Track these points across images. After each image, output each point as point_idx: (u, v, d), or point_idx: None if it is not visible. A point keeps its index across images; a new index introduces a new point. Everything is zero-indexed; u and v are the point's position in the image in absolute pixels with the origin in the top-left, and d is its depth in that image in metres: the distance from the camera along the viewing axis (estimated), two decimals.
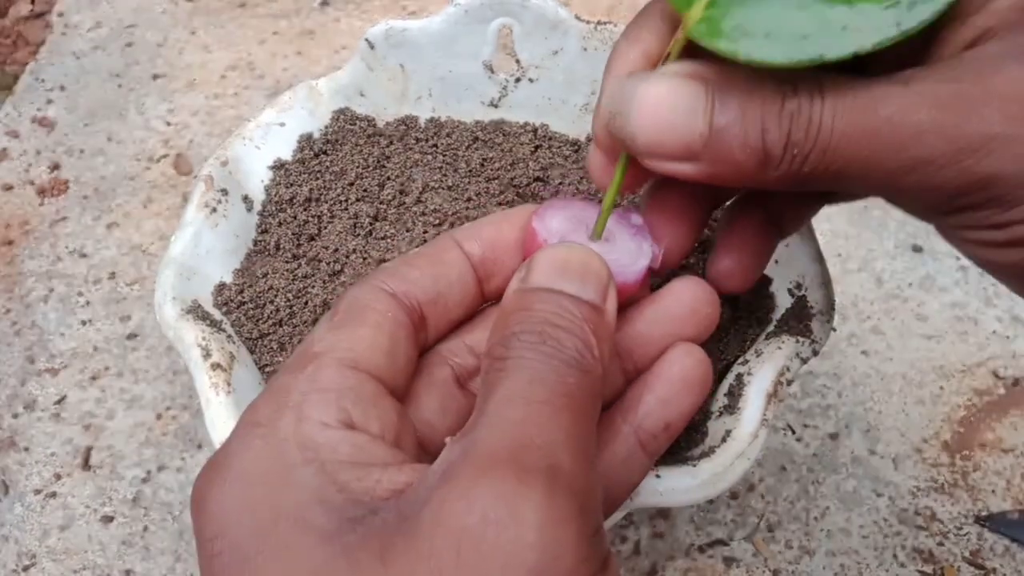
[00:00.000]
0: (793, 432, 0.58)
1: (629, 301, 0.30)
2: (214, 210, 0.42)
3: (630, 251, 0.30)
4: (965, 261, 0.65)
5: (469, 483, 0.21)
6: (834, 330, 0.39)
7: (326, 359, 0.26)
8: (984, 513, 0.54)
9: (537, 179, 0.45)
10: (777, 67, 0.24)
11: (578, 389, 0.23)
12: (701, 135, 0.25)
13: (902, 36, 0.23)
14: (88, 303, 0.64)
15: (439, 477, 0.21)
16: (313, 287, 0.40)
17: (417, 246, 0.40)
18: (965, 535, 0.54)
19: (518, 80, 0.49)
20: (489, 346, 0.25)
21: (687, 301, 0.30)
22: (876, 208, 0.69)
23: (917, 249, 0.66)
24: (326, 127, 0.47)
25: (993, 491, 0.55)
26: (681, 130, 0.25)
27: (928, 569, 0.52)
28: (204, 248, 0.41)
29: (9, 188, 0.71)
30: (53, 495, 0.55)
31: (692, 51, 0.26)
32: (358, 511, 0.22)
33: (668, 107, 0.25)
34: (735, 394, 0.36)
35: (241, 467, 0.24)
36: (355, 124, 0.48)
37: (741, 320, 0.39)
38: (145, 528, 0.53)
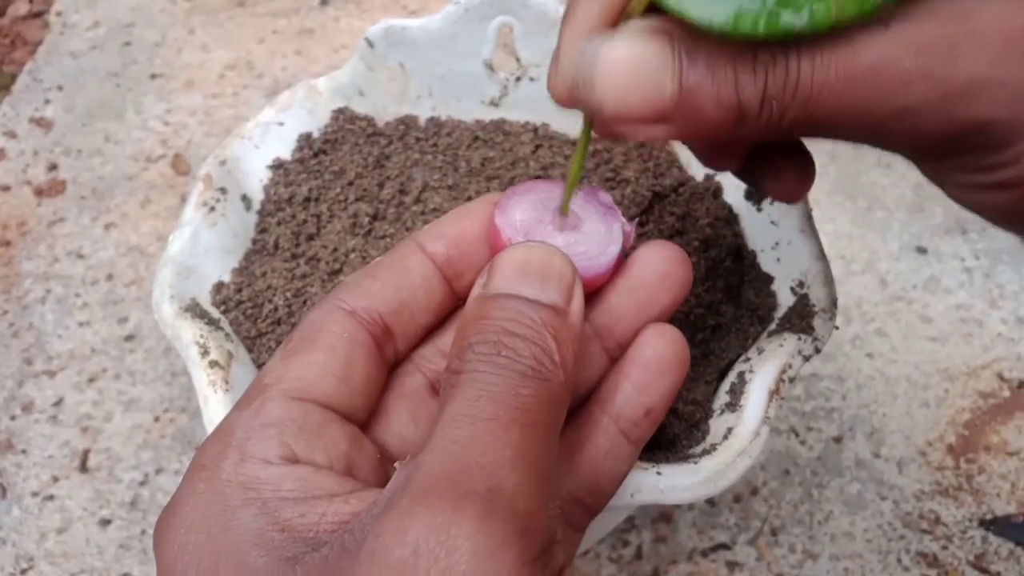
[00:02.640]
0: (797, 435, 0.57)
1: (601, 286, 0.30)
2: (212, 209, 0.42)
3: (599, 238, 0.29)
4: (970, 262, 0.65)
5: (404, 514, 0.20)
6: (836, 328, 0.38)
7: (272, 392, 0.26)
8: (989, 516, 0.54)
9: (538, 178, 0.45)
10: (755, 38, 0.22)
11: (533, 400, 0.23)
12: (671, 96, 0.24)
13: (870, 10, 0.22)
14: (86, 304, 0.63)
15: (382, 507, 0.21)
16: (312, 286, 0.40)
17: None
18: (970, 539, 0.53)
19: (519, 79, 0.49)
20: (448, 359, 0.25)
21: (657, 266, 0.29)
22: (880, 209, 0.68)
23: (921, 250, 0.66)
24: (325, 126, 0.47)
25: (998, 494, 0.55)
26: (649, 93, 0.24)
27: (932, 573, 0.52)
28: (202, 247, 0.41)
29: (7, 189, 0.71)
30: (51, 498, 0.55)
31: (655, 5, 0.24)
32: (298, 549, 0.22)
33: (633, 69, 0.24)
34: (737, 391, 0.35)
35: (185, 513, 0.24)
36: (354, 123, 0.47)
37: (743, 318, 0.39)
38: (143, 531, 0.53)
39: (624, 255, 0.30)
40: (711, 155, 0.32)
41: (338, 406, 0.26)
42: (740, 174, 0.32)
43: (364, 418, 0.28)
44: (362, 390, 0.27)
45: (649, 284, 0.29)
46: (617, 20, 0.25)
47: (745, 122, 0.24)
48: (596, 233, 0.29)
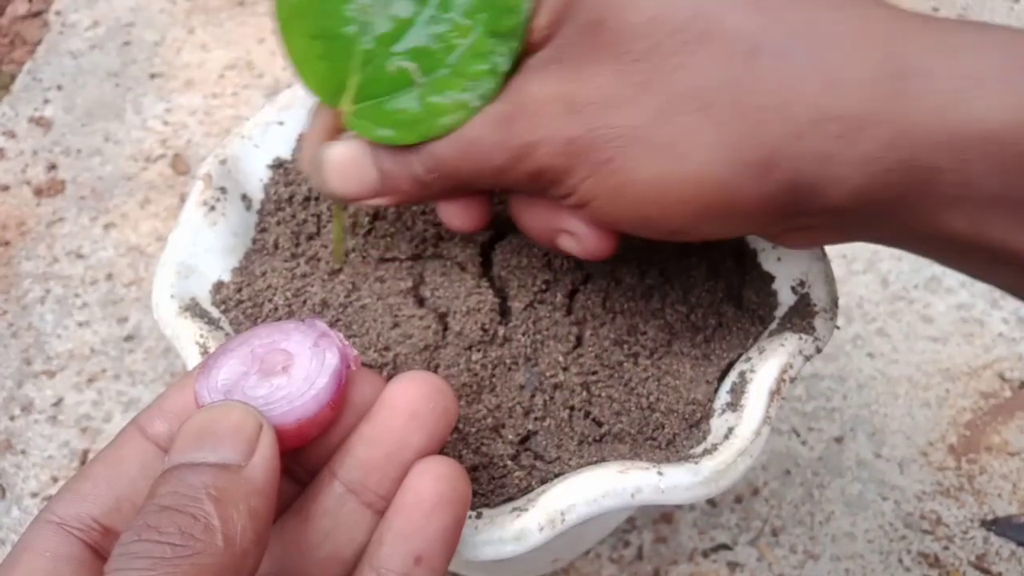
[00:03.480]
0: (798, 435, 0.57)
1: (325, 425, 0.28)
2: (212, 208, 0.42)
3: (306, 375, 0.28)
4: None
5: None
6: (837, 328, 0.38)
7: None
8: (990, 517, 0.54)
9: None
10: (404, 144, 0.32)
11: None
12: (376, 178, 0.32)
13: (476, 110, 0.31)
14: (85, 304, 0.63)
15: None
16: (312, 286, 0.40)
17: (417, 245, 0.40)
18: (971, 539, 0.53)
19: None
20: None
21: (403, 406, 0.28)
22: None
23: None
24: None
25: (999, 495, 0.55)
26: (360, 178, 0.33)
27: (934, 573, 0.52)
28: (202, 246, 0.41)
29: (6, 188, 0.71)
30: (50, 498, 0.55)
31: None
32: None
33: (346, 164, 0.33)
34: (738, 391, 0.35)
35: None
36: None
37: (744, 318, 0.39)
38: None
39: (346, 376, 0.29)
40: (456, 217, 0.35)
41: None
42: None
43: None
44: None
45: (395, 428, 0.28)
46: (340, 131, 0.34)
47: (427, 189, 0.32)
48: (304, 370, 0.28)
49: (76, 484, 0.27)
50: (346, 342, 0.29)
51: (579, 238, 0.32)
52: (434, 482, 0.27)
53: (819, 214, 0.28)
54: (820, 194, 0.27)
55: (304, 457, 0.29)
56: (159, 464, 0.26)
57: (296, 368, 0.28)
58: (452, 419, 0.29)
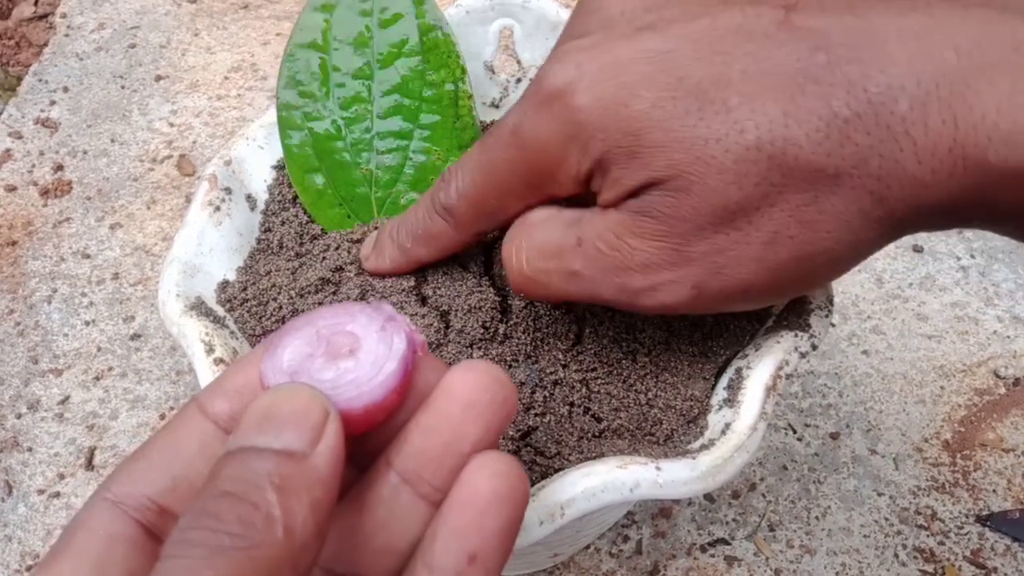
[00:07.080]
0: (794, 431, 0.58)
1: (391, 411, 0.27)
2: (218, 208, 0.42)
3: (374, 359, 0.27)
4: (966, 261, 0.66)
5: None
6: (833, 326, 0.39)
7: None
8: (985, 512, 0.55)
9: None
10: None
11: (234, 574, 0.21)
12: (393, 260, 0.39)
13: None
14: (91, 304, 0.64)
15: None
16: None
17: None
18: (966, 534, 0.54)
19: (519, 81, 0.50)
20: None
21: (462, 395, 0.26)
22: None
23: (918, 249, 0.66)
24: None
25: (994, 490, 0.55)
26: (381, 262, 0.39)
27: (929, 568, 0.52)
28: (208, 246, 0.41)
29: (12, 189, 0.71)
30: (56, 495, 0.55)
31: None
32: None
33: (370, 255, 0.39)
34: (734, 388, 0.36)
35: None
36: None
37: (741, 315, 0.40)
38: None
39: (413, 362, 0.28)
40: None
41: None
42: None
43: None
44: None
45: (452, 417, 0.26)
46: None
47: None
48: (371, 356, 0.27)
49: (132, 462, 0.26)
50: (413, 327, 0.28)
51: None
52: (490, 479, 0.25)
53: (924, 225, 0.30)
54: (923, 218, 0.29)
55: (365, 441, 0.28)
56: (218, 444, 0.26)
57: (363, 352, 0.27)
58: (511, 411, 0.27)
